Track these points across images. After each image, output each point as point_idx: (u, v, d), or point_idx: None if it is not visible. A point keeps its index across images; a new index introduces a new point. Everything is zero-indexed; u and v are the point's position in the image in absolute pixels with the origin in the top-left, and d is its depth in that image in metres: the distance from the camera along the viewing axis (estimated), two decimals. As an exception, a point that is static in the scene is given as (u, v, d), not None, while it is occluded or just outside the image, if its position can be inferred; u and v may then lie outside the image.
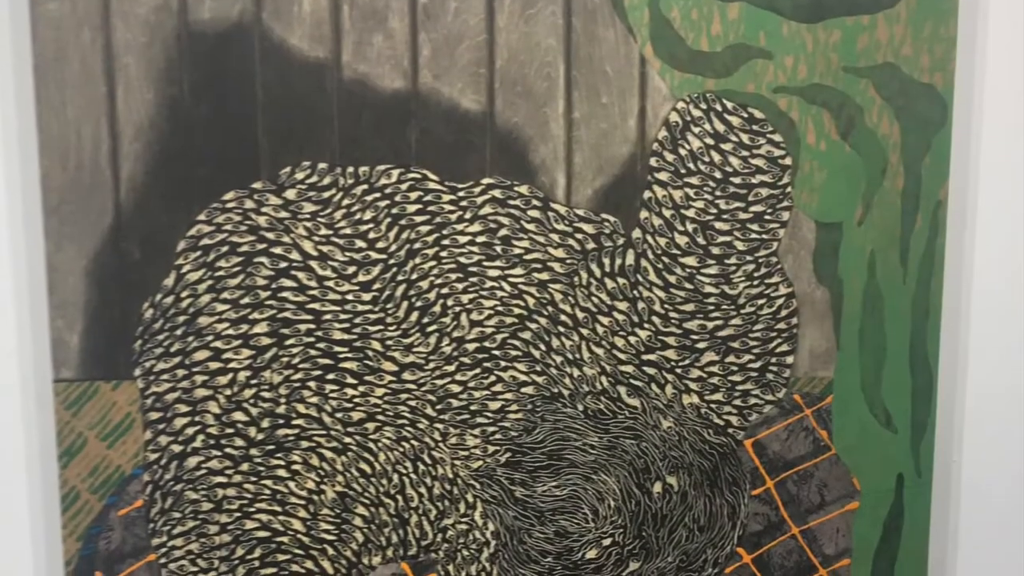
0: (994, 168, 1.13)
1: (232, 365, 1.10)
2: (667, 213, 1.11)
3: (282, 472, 1.11)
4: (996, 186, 1.13)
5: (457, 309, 1.11)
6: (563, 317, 1.12)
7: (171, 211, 1.09)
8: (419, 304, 1.10)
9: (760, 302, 1.13)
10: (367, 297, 1.10)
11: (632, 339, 1.13)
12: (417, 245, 1.10)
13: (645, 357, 1.13)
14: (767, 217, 1.12)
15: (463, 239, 1.10)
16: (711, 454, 1.15)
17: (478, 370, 1.12)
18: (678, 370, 1.14)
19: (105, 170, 1.08)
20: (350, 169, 1.09)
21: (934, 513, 1.18)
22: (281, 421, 1.10)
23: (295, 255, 1.09)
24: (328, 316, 1.10)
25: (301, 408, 1.10)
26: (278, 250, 1.09)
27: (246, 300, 1.09)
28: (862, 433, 1.16)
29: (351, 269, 1.09)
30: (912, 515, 1.18)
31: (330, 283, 1.09)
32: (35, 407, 1.09)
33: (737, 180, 1.11)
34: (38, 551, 1.10)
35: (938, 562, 1.18)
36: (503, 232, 1.10)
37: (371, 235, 1.09)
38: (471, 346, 1.12)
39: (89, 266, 1.08)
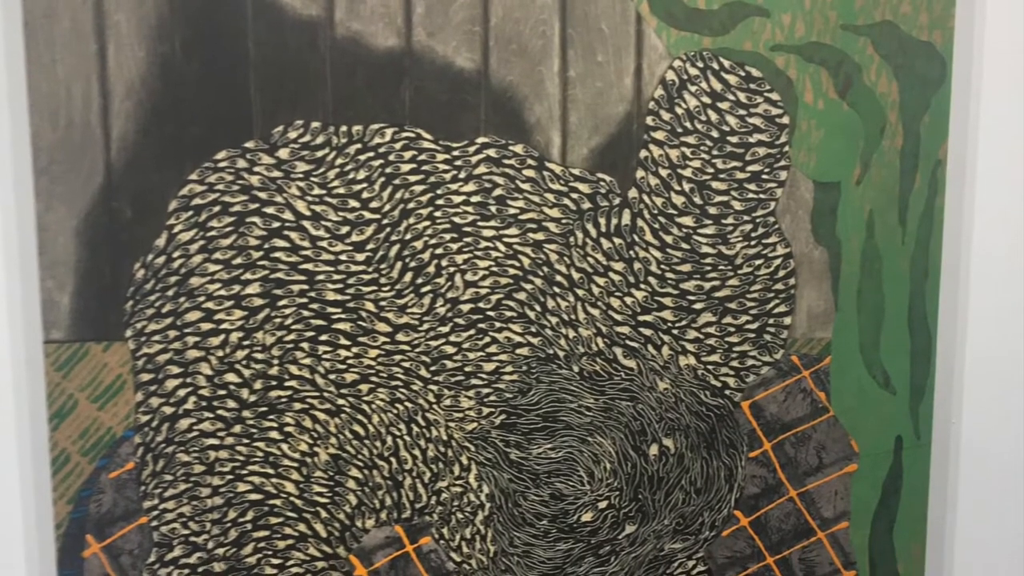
0: (994, 127, 1.17)
1: (224, 326, 1.14)
2: (663, 173, 1.15)
3: (275, 434, 1.15)
4: (996, 145, 1.17)
5: (451, 270, 1.15)
6: (558, 278, 1.16)
7: (163, 170, 1.12)
8: (413, 265, 1.14)
9: (757, 262, 1.17)
10: (360, 257, 1.13)
11: (628, 300, 1.17)
12: (411, 205, 1.13)
13: (641, 318, 1.17)
14: (764, 177, 1.16)
15: (458, 199, 1.14)
16: (708, 416, 1.19)
17: (473, 331, 1.16)
18: (675, 331, 1.18)
19: (96, 129, 1.11)
20: (343, 128, 1.12)
21: (933, 476, 1.22)
22: (274, 383, 1.14)
23: (288, 215, 1.13)
24: (321, 277, 1.13)
25: (294, 369, 1.14)
26: (271, 210, 1.12)
27: (238, 260, 1.13)
28: (860, 395, 1.20)
29: (344, 229, 1.13)
30: (911, 478, 1.22)
31: (323, 243, 1.13)
32: (25, 369, 1.13)
33: (734, 139, 1.15)
34: (28, 514, 1.14)
35: (937, 525, 1.22)
36: (498, 192, 1.14)
37: (365, 195, 1.13)
38: (465, 307, 1.15)
39: (80, 226, 1.12)
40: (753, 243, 1.17)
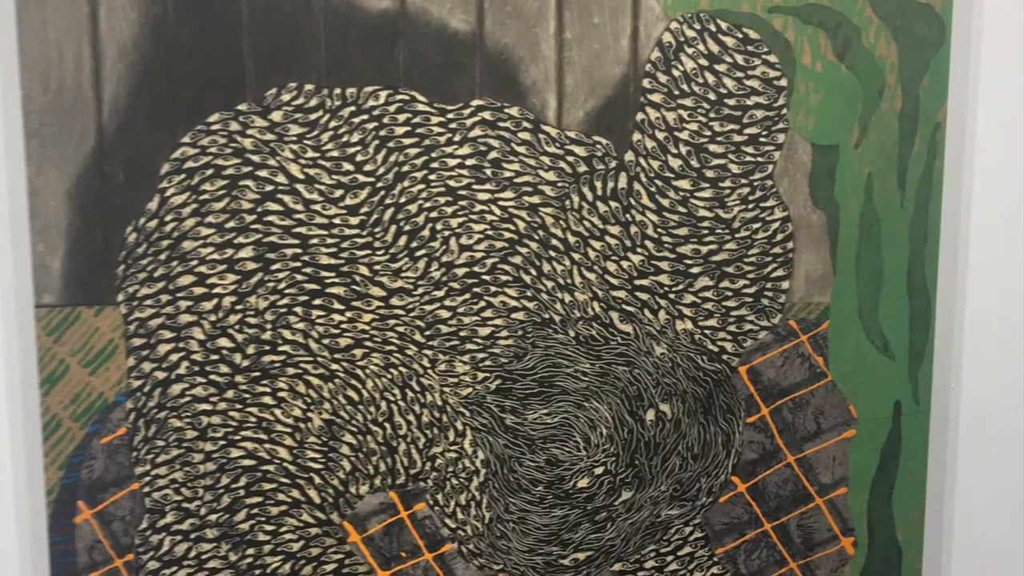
0: (993, 90, 1.20)
1: (217, 290, 1.17)
2: (660, 136, 1.19)
3: (268, 399, 1.19)
4: (995, 108, 1.20)
5: (446, 234, 1.18)
6: (554, 241, 1.19)
7: (155, 133, 1.15)
8: (407, 228, 1.18)
9: (755, 226, 1.21)
10: (355, 221, 1.17)
11: (625, 264, 1.20)
12: (405, 168, 1.17)
13: (638, 282, 1.21)
14: (762, 140, 1.19)
15: (452, 162, 1.17)
16: (705, 381, 1.22)
17: (468, 295, 1.19)
18: (671, 295, 1.21)
19: (87, 92, 1.15)
20: (337, 91, 1.16)
21: (932, 441, 1.25)
22: (267, 347, 1.18)
23: (281, 178, 1.16)
24: (315, 240, 1.17)
25: (287, 334, 1.18)
26: (264, 173, 1.16)
27: (231, 224, 1.16)
28: (859, 359, 1.24)
29: (338, 192, 1.16)
30: (910, 443, 1.25)
31: (317, 207, 1.16)
32: (16, 333, 1.16)
33: (731, 102, 1.19)
34: (19, 480, 1.17)
35: (936, 491, 1.25)
36: (493, 155, 1.17)
37: (358, 158, 1.16)
38: (460, 271, 1.19)
39: (71, 190, 1.15)
40: (751, 207, 1.21)
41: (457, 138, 1.18)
